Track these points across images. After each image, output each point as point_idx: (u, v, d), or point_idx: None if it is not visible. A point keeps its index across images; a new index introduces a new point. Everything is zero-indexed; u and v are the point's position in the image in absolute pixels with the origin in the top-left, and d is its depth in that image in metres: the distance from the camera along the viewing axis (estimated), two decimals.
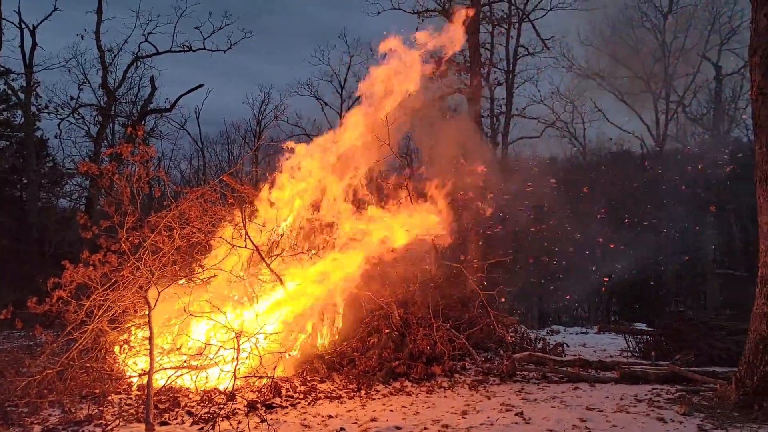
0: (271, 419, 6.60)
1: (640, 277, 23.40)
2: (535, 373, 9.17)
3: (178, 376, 7.58)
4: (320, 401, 7.42)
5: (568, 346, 11.87)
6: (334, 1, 53.26)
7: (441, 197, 10.00)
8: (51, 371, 7.07)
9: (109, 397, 7.15)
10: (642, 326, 14.20)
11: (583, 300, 26.40)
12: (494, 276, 11.67)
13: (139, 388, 7.51)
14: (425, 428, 6.26)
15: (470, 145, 12.18)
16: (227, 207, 9.18)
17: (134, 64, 24.83)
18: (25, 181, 23.17)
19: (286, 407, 7.11)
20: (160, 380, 7.37)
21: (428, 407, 7.20)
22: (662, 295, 24.72)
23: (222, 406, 6.89)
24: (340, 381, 8.43)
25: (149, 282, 7.40)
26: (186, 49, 24.33)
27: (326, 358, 8.99)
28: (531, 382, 8.86)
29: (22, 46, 22.40)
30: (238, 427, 6.17)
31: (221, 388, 7.54)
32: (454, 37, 10.38)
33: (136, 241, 7.87)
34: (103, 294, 7.74)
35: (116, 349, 8.11)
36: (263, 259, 8.88)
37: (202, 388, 7.57)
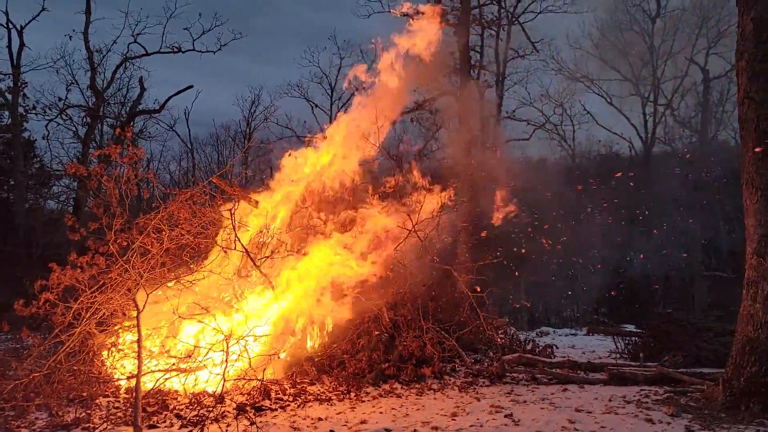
0: (261, 422, 6.58)
1: (629, 278, 23.57)
2: (525, 374, 9.20)
3: (166, 379, 7.54)
4: (310, 403, 7.41)
5: (557, 347, 11.92)
6: (325, 3, 53.29)
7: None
8: (38, 374, 7.00)
9: (97, 401, 7.10)
10: (630, 328, 14.32)
11: (573, 301, 26.53)
12: (484, 278, 11.69)
13: (127, 391, 7.46)
14: (415, 430, 6.25)
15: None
16: (216, 209, 9.14)
17: (123, 65, 24.74)
18: (12, 182, 22.99)
19: (276, 410, 7.09)
20: (148, 383, 7.32)
21: (418, 409, 7.20)
22: (651, 296, 24.86)
23: (211, 408, 6.86)
24: (330, 383, 8.41)
25: (138, 284, 7.35)
26: (175, 50, 24.23)
27: (316, 360, 8.97)
28: (520, 383, 8.89)
29: (9, 46, 22.28)
30: (227, 430, 6.14)
31: (210, 390, 7.50)
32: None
33: (125, 243, 7.81)
34: (91, 296, 7.68)
35: (104, 352, 8.05)
36: (252, 261, 8.86)
37: (191, 391, 7.54)
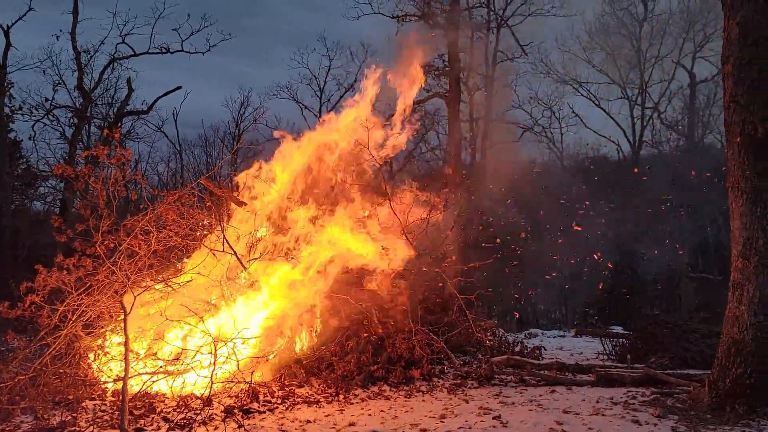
0: (249, 424, 6.56)
1: (616, 280, 23.70)
2: (513, 376, 9.23)
3: (153, 382, 7.49)
4: (298, 406, 7.39)
5: (545, 349, 11.97)
6: (314, 4, 53.23)
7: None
8: (23, 377, 6.94)
9: (83, 404, 7.04)
10: (618, 329, 14.41)
11: (561, 303, 26.64)
12: (473, 280, 11.72)
13: (114, 393, 7.40)
14: None
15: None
16: (205, 210, 9.10)
17: (111, 66, 24.58)
18: None
19: (264, 412, 7.07)
20: (135, 386, 7.27)
21: (407, 411, 7.20)
22: (638, 298, 25.02)
23: (198, 411, 6.83)
24: (319, 385, 8.40)
25: (125, 286, 7.30)
26: (164, 50, 24.10)
27: (304, 362, 8.95)
28: (509, 385, 8.91)
29: None
30: None
31: (198, 393, 7.46)
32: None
33: (112, 245, 7.75)
34: (78, 298, 7.62)
35: (91, 354, 7.98)
36: (241, 262, 8.82)
37: (179, 394, 7.49)
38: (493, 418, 6.80)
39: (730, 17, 7.35)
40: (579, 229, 19.17)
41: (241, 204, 9.59)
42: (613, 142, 30.17)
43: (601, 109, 29.95)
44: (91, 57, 24.36)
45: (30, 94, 26.24)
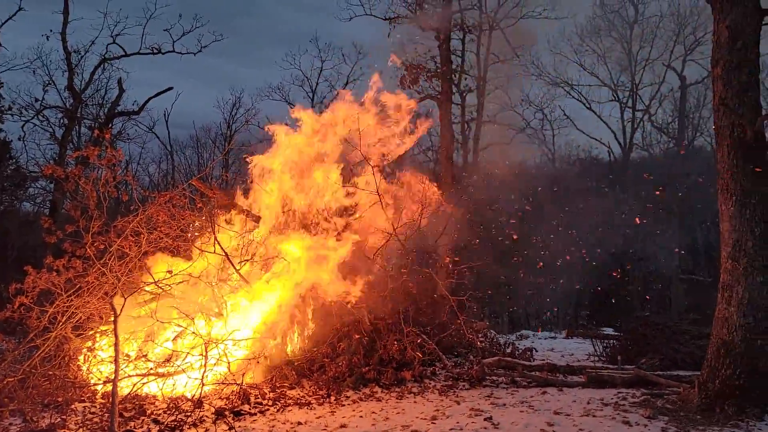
0: (239, 426, 6.54)
1: (607, 282, 23.81)
2: (505, 377, 9.24)
3: (144, 384, 7.47)
4: (289, 408, 7.37)
5: (536, 350, 11.99)
6: (307, 6, 53.20)
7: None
8: (12, 379, 6.90)
9: (73, 406, 7.01)
10: (609, 331, 14.43)
11: (552, 305, 26.71)
12: (464, 281, 11.75)
13: (104, 396, 7.37)
14: None
15: None
16: (196, 212, 9.07)
17: (101, 66, 24.44)
18: None
19: (255, 414, 7.04)
20: (125, 388, 7.24)
21: (398, 413, 7.20)
22: (629, 299, 25.13)
23: (189, 413, 6.81)
24: (310, 387, 8.38)
25: (115, 288, 7.27)
26: (155, 51, 24.01)
27: (296, 364, 8.93)
28: (500, 386, 8.92)
29: None
30: None
31: (189, 395, 7.43)
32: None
33: (102, 246, 7.72)
34: (67, 300, 7.58)
35: (80, 356, 7.94)
36: (232, 264, 8.81)
37: (169, 396, 7.46)
38: (485, 419, 6.81)
39: (720, 21, 7.40)
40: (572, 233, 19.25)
41: (230, 205, 9.56)
42: (604, 144, 30.34)
43: (592, 111, 30.09)
44: (82, 57, 24.24)
45: (20, 95, 25.91)
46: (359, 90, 10.75)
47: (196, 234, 9.07)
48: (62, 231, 7.68)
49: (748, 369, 6.94)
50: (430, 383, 8.97)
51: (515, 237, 20.30)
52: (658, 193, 21.99)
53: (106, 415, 6.52)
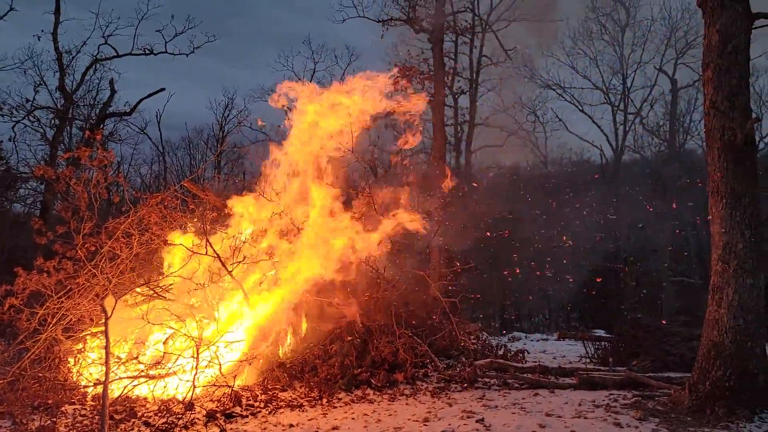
0: (231, 429, 6.52)
1: (599, 284, 23.91)
2: (497, 379, 9.25)
3: (134, 386, 7.43)
4: (281, 410, 7.36)
5: (528, 352, 12.02)
6: (300, 7, 53.14)
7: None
8: (2, 381, 6.85)
9: (63, 408, 6.97)
10: (600, 333, 14.50)
11: (544, 307, 26.80)
12: (457, 283, 11.77)
13: (94, 398, 7.33)
14: None
15: None
16: (188, 213, 9.04)
17: (93, 67, 24.27)
18: None
19: (247, 416, 7.02)
20: (115, 390, 7.21)
21: (390, 415, 7.20)
22: (620, 302, 25.25)
23: (180, 416, 6.78)
24: (302, 389, 8.36)
25: (106, 290, 7.23)
26: (147, 52, 23.89)
27: (288, 366, 8.92)
28: (492, 388, 8.94)
29: None
30: None
31: (180, 397, 7.41)
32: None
33: (93, 248, 7.68)
34: (58, 302, 7.54)
35: (71, 358, 7.89)
36: (224, 266, 8.78)
37: (160, 398, 7.43)
38: (477, 421, 6.82)
39: (710, 24, 7.45)
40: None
41: (222, 205, 9.53)
42: (596, 147, 30.47)
43: (585, 113, 30.19)
44: (73, 58, 24.05)
45: (10, 95, 25.71)
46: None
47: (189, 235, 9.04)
48: (53, 232, 7.63)
49: (738, 371, 6.98)
50: (422, 385, 8.98)
51: (507, 233, 20.32)
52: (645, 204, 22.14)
53: (97, 417, 6.48)
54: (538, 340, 17.17)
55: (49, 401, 6.98)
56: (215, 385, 7.67)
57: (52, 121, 23.91)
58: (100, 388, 6.82)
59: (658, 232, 24.36)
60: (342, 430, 6.50)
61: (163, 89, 24.81)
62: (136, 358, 7.81)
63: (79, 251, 7.39)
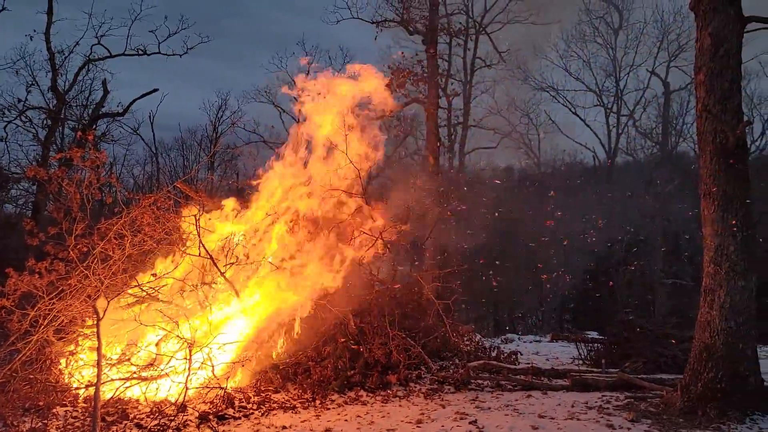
0: (223, 430, 6.50)
1: (592, 286, 23.99)
2: (490, 381, 9.26)
3: (126, 388, 7.40)
4: (274, 412, 7.34)
5: (521, 354, 12.04)
6: (293, 8, 53.16)
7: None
8: None
9: (54, 410, 6.92)
10: (593, 334, 14.53)
11: (537, 308, 26.85)
12: (450, 285, 11.77)
13: (86, 400, 7.28)
14: None
15: None
16: (181, 215, 9.01)
17: (86, 67, 24.16)
18: None
19: (239, 418, 7.00)
20: (107, 392, 7.17)
21: (383, 416, 7.19)
22: (613, 303, 25.33)
23: (172, 417, 6.75)
24: (295, 391, 8.35)
25: (98, 291, 7.20)
26: (140, 52, 23.81)
27: (281, 367, 8.89)
28: (485, 390, 8.95)
29: None
30: None
31: (172, 399, 7.38)
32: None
33: (85, 249, 7.64)
34: (49, 303, 7.48)
35: (62, 360, 7.85)
36: (217, 267, 8.75)
37: (152, 400, 7.40)
38: (470, 423, 6.83)
39: (703, 28, 7.49)
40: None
41: (214, 205, 9.50)
42: (589, 149, 30.59)
43: (578, 116, 30.31)
44: (66, 58, 23.91)
45: (2, 95, 25.48)
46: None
47: (180, 237, 9.00)
48: (45, 233, 7.58)
49: (729, 372, 7.02)
50: (415, 387, 8.98)
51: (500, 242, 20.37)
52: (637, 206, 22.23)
53: (88, 419, 6.45)
54: (531, 342, 17.18)
55: (41, 403, 6.94)
56: (208, 387, 7.64)
57: (44, 122, 23.79)
58: (91, 390, 6.78)
59: (651, 234, 24.47)
60: None
61: (156, 90, 24.74)
62: (129, 359, 7.77)
63: (71, 252, 7.35)
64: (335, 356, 8.90)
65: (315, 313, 9.34)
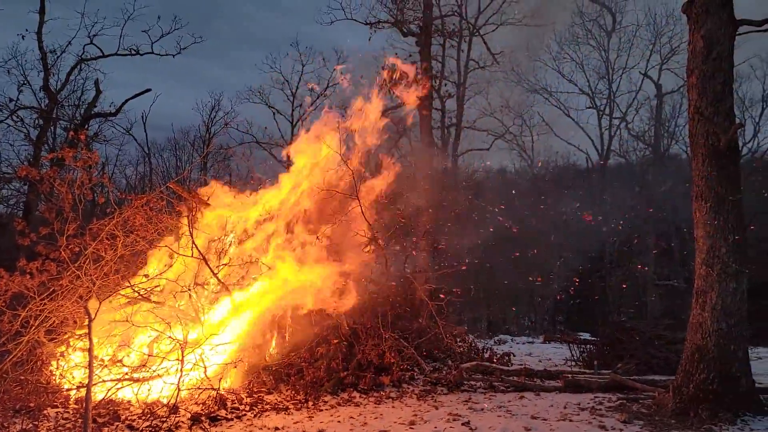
0: None
1: (584, 287, 24.06)
2: (483, 382, 9.27)
3: (118, 389, 7.36)
4: (267, 413, 7.32)
5: (514, 355, 12.06)
6: (288, 9, 53.09)
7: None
8: None
9: (45, 411, 6.87)
10: (586, 336, 14.57)
11: (530, 310, 26.90)
12: (443, 286, 11.78)
13: (77, 401, 7.24)
14: None
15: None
16: (174, 215, 8.98)
17: (78, 67, 24.07)
18: None
19: (232, 420, 6.98)
20: (99, 393, 7.13)
21: (376, 418, 7.18)
22: (605, 305, 25.43)
23: (164, 419, 6.72)
24: (288, 392, 8.32)
25: (90, 291, 7.16)
26: (133, 52, 23.74)
27: (274, 369, 8.87)
28: (478, 391, 8.95)
29: None
30: None
31: (164, 400, 7.34)
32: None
33: (77, 249, 7.61)
34: (41, 304, 7.45)
35: (53, 361, 7.80)
36: (210, 268, 8.73)
37: (144, 401, 7.37)
38: (462, 424, 6.82)
39: (695, 31, 7.53)
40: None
41: (203, 204, 9.47)
42: (582, 151, 30.69)
43: (571, 118, 30.40)
44: (58, 57, 23.81)
45: None
46: (340, 93, 10.73)
47: (174, 237, 8.97)
48: (36, 233, 7.55)
49: (721, 374, 7.05)
50: (408, 388, 8.97)
51: (492, 229, 20.34)
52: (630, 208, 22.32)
53: (80, 420, 6.41)
54: (524, 343, 17.23)
55: (31, 404, 6.90)
56: (200, 388, 7.61)
57: (36, 121, 23.67)
58: (83, 391, 6.75)
59: (643, 236, 24.57)
60: None
61: (148, 90, 24.69)
62: (120, 360, 7.74)
63: (62, 253, 7.32)
64: (328, 357, 8.88)
65: (308, 314, 9.33)
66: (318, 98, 27.57)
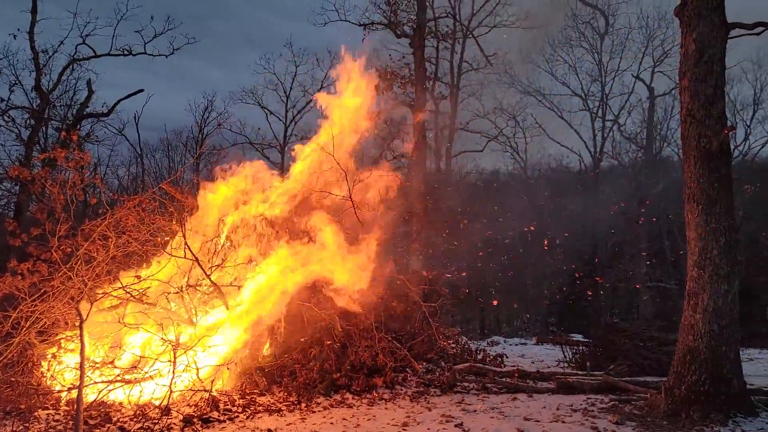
0: None
1: (577, 289, 24.13)
2: (475, 383, 9.28)
3: (110, 391, 7.32)
4: (259, 415, 7.30)
5: (507, 357, 12.06)
6: (281, 10, 53.06)
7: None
8: None
9: (36, 413, 6.83)
10: (578, 337, 14.62)
11: (523, 311, 26.95)
12: (436, 288, 11.78)
13: (68, 403, 7.21)
14: None
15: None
16: (166, 216, 8.95)
17: (70, 67, 23.96)
18: None
19: (224, 421, 6.95)
20: (90, 395, 7.09)
21: (369, 419, 7.17)
22: (597, 306, 25.50)
23: (156, 421, 6.70)
24: (281, 394, 8.30)
25: (81, 293, 7.13)
26: (126, 52, 23.68)
27: (266, 370, 8.84)
28: (471, 393, 8.96)
29: None
30: None
31: (156, 402, 7.31)
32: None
33: (69, 250, 7.57)
34: (32, 305, 7.41)
35: (44, 363, 7.76)
36: (203, 269, 8.70)
37: (136, 403, 7.33)
38: (455, 425, 6.82)
39: (687, 34, 7.56)
40: None
41: (194, 205, 9.45)
42: (575, 153, 30.79)
43: (564, 120, 30.48)
44: (50, 57, 23.70)
45: None
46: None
47: (167, 239, 8.94)
48: (27, 234, 7.51)
49: (712, 375, 7.08)
50: (401, 389, 8.97)
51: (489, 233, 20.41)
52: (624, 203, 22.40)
53: (71, 422, 6.37)
54: (516, 345, 17.26)
55: (22, 406, 6.85)
56: (192, 390, 7.58)
57: (28, 122, 23.52)
58: (74, 393, 6.71)
59: (635, 238, 24.65)
60: None
61: (141, 90, 24.64)
62: (112, 362, 7.70)
63: (54, 253, 7.28)
64: (321, 359, 8.86)
65: (301, 315, 9.32)
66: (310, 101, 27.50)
